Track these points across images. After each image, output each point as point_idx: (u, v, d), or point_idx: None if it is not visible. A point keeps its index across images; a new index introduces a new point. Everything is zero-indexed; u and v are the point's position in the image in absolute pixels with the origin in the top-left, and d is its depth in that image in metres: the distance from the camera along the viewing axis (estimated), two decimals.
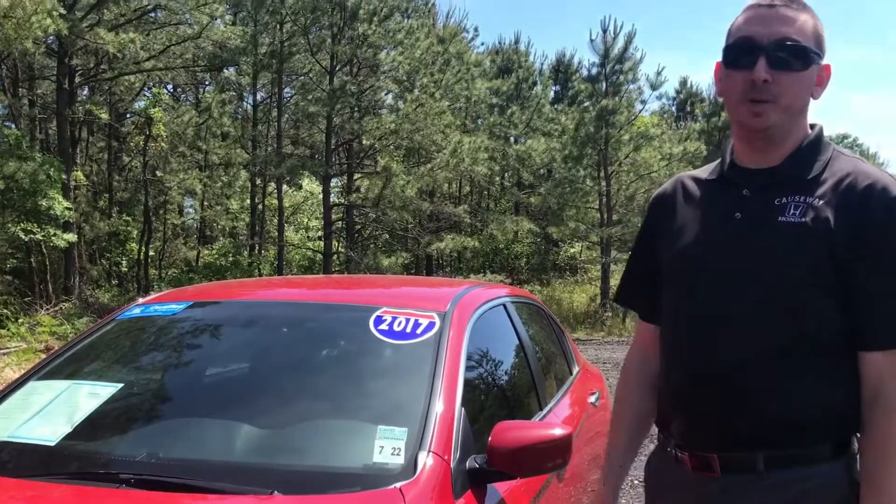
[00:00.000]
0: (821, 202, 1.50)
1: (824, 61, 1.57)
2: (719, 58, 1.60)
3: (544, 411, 2.82)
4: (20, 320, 13.78)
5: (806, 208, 1.50)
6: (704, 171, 1.73)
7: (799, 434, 1.50)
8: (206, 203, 23.02)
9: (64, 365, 2.41)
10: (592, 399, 3.65)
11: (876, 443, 1.45)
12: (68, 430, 2.04)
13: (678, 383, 1.64)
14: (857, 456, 1.52)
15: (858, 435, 1.52)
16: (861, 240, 1.46)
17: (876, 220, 1.46)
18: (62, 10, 13.28)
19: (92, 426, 2.08)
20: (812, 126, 1.61)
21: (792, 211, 1.51)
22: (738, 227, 1.56)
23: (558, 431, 1.91)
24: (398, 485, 1.73)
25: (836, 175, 1.52)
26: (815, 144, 1.58)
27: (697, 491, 1.59)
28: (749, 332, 1.52)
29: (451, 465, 1.84)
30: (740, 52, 1.53)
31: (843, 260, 1.47)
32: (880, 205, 1.46)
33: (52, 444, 1.98)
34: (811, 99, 1.57)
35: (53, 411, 2.16)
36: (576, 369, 3.81)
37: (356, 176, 21.21)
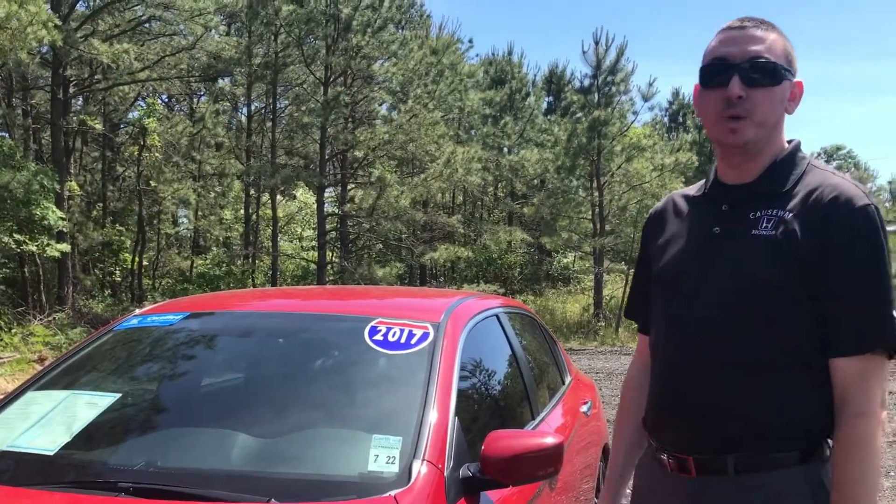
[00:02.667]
0: (790, 215, 1.56)
1: (796, 78, 1.64)
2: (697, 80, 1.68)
3: (536, 420, 2.85)
4: (13, 330, 13.74)
5: (777, 221, 1.57)
6: (693, 189, 1.82)
7: (768, 439, 1.56)
8: (199, 213, 23.00)
9: (62, 375, 2.43)
10: (584, 408, 3.68)
11: (843, 444, 1.50)
12: (67, 439, 2.06)
13: (660, 389, 1.72)
14: (828, 460, 1.56)
15: (831, 441, 1.57)
16: (826, 250, 1.52)
17: (839, 230, 1.52)
18: (57, 21, 13.30)
19: (90, 436, 2.11)
20: (790, 141, 1.68)
21: (764, 224, 1.58)
22: (717, 241, 1.64)
23: (550, 440, 1.94)
24: (393, 493, 1.76)
25: (806, 188, 1.59)
26: (790, 159, 1.64)
27: (676, 491, 1.66)
28: (722, 341, 1.59)
29: (445, 474, 1.87)
30: (715, 71, 1.61)
31: (811, 270, 1.52)
32: (843, 216, 1.52)
33: (51, 453, 2.01)
34: (786, 114, 1.64)
35: (52, 421, 2.19)
36: (568, 379, 3.85)
37: (350, 186, 21.23)
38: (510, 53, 29.33)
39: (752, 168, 1.64)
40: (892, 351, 1.53)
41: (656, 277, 1.77)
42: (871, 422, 1.49)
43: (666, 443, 1.70)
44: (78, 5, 16.90)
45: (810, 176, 1.61)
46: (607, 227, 21.40)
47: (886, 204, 40.92)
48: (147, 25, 18.72)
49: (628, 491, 1.92)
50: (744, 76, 1.57)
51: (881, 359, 1.53)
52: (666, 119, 31.98)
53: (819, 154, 54.82)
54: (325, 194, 20.83)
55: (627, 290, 20.25)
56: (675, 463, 1.67)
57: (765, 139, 1.61)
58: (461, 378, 2.26)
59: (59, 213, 14.48)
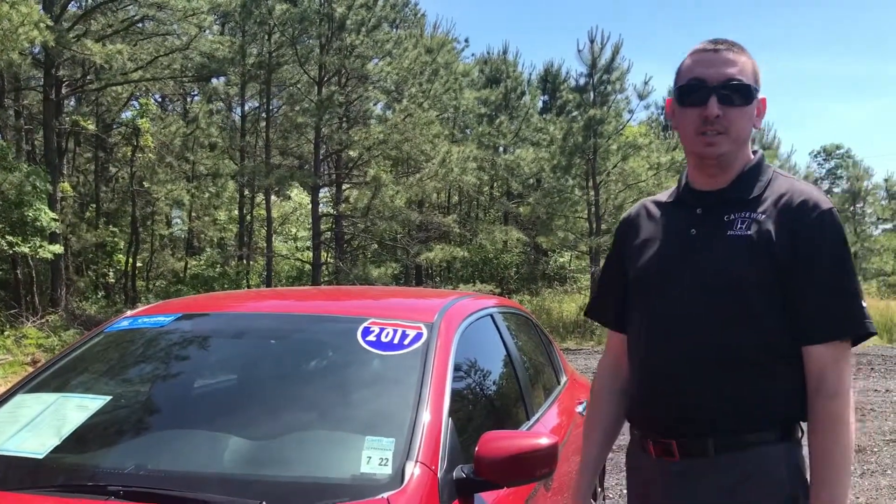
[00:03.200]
0: (763, 216, 1.73)
1: (760, 95, 1.79)
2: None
3: (531, 421, 2.84)
4: (6, 332, 13.69)
5: (751, 222, 1.73)
6: (664, 195, 1.96)
7: (746, 422, 1.71)
8: (193, 214, 22.96)
9: (52, 377, 2.41)
10: (580, 409, 3.67)
11: (820, 423, 1.65)
12: (56, 442, 2.04)
13: (642, 381, 1.85)
14: (800, 442, 1.74)
15: (804, 424, 1.73)
16: (798, 248, 1.68)
17: (809, 231, 1.68)
18: (49, 22, 13.25)
19: (80, 439, 2.09)
20: (755, 152, 1.84)
21: (739, 225, 1.73)
22: (694, 242, 1.78)
23: (545, 441, 1.93)
24: (386, 495, 1.74)
25: (775, 193, 1.75)
26: (757, 168, 1.80)
27: (661, 473, 1.80)
28: (704, 334, 1.73)
29: (439, 475, 1.86)
30: (693, 91, 1.75)
31: (784, 266, 1.68)
32: (812, 218, 1.69)
33: (41, 456, 1.98)
34: (753, 129, 1.80)
35: (41, 424, 2.16)
36: (563, 379, 3.84)
37: (345, 186, 21.21)
38: (505, 52, 29.38)
39: (724, 176, 1.79)
40: (858, 338, 1.69)
41: (635, 278, 1.89)
42: (844, 401, 1.65)
43: (650, 430, 1.83)
44: (70, 5, 16.86)
45: (777, 183, 1.78)
46: (603, 227, 21.41)
47: (883, 202, 40.99)
48: (140, 25, 18.66)
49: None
50: (720, 96, 1.72)
51: (848, 345, 1.69)
52: (661, 118, 32.00)
53: (818, 153, 55.00)
54: (320, 194, 20.81)
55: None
56: (660, 448, 1.80)
57: (736, 152, 1.77)
58: (455, 379, 2.24)
59: (52, 215, 14.42)
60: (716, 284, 1.72)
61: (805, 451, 1.74)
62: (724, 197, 1.78)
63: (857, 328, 1.68)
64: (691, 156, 1.82)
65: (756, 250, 1.69)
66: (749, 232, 1.71)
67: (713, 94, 1.72)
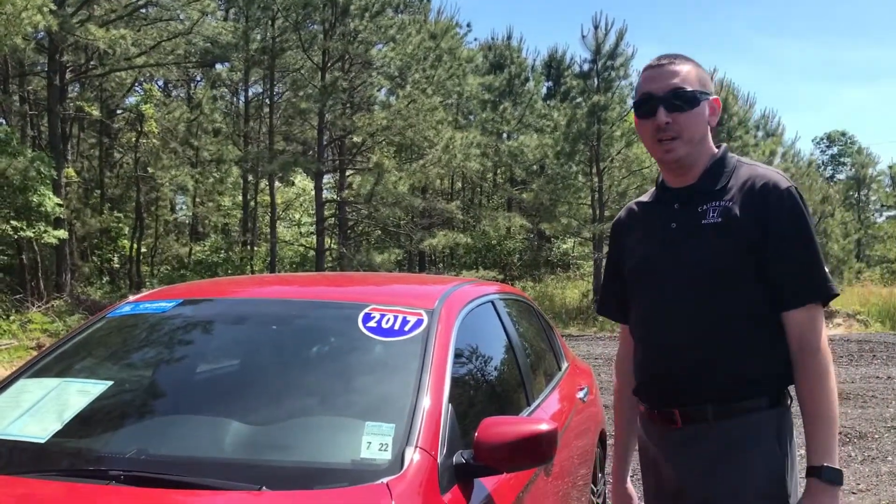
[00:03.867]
0: (731, 203, 1.92)
1: (713, 96, 1.99)
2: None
3: (532, 407, 2.84)
4: (11, 317, 13.75)
5: (721, 210, 1.93)
6: (646, 196, 2.18)
7: (739, 390, 1.91)
8: (197, 200, 22.96)
9: (54, 362, 2.42)
10: (581, 395, 3.68)
11: (806, 378, 1.86)
12: (58, 427, 2.05)
13: (644, 358, 2.06)
14: (789, 408, 1.94)
15: (792, 392, 1.94)
16: (765, 225, 1.88)
17: (773, 209, 1.88)
18: (52, 6, 13.20)
19: (82, 423, 2.10)
20: (719, 146, 2.03)
21: (711, 214, 1.93)
22: (675, 234, 1.99)
23: (544, 427, 1.93)
24: (385, 480, 1.75)
25: (739, 180, 1.95)
26: (721, 161, 2.00)
27: (667, 440, 2.01)
28: (693, 311, 1.93)
29: (438, 461, 1.86)
30: (644, 104, 1.97)
31: (754, 244, 1.88)
32: (774, 197, 1.89)
33: (42, 441, 1.99)
34: (709, 127, 1.99)
35: (43, 409, 2.17)
36: (564, 365, 3.84)
37: (348, 172, 21.18)
38: (509, 38, 29.20)
39: (692, 173, 1.99)
40: (826, 298, 1.91)
41: (631, 272, 2.09)
42: (825, 355, 1.86)
43: (655, 401, 2.03)
44: None
45: (741, 171, 1.97)
46: (607, 213, 21.36)
47: (887, 189, 40.79)
48: (143, 10, 18.60)
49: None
50: (667, 105, 1.92)
51: (820, 307, 1.90)
52: None
53: (821, 140, 54.75)
54: (324, 180, 20.80)
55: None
56: (664, 416, 2.00)
57: (695, 152, 1.97)
58: (455, 365, 2.25)
59: (56, 200, 14.44)
60: (698, 268, 1.92)
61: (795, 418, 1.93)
62: (695, 191, 1.98)
63: (824, 291, 1.89)
64: (658, 161, 2.04)
65: (729, 233, 1.89)
66: (721, 219, 1.91)
67: (660, 105, 1.92)
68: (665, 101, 1.92)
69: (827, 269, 1.91)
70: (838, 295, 1.98)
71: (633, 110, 2.06)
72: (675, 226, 1.99)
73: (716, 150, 2.02)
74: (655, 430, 2.04)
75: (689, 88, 1.93)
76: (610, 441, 6.05)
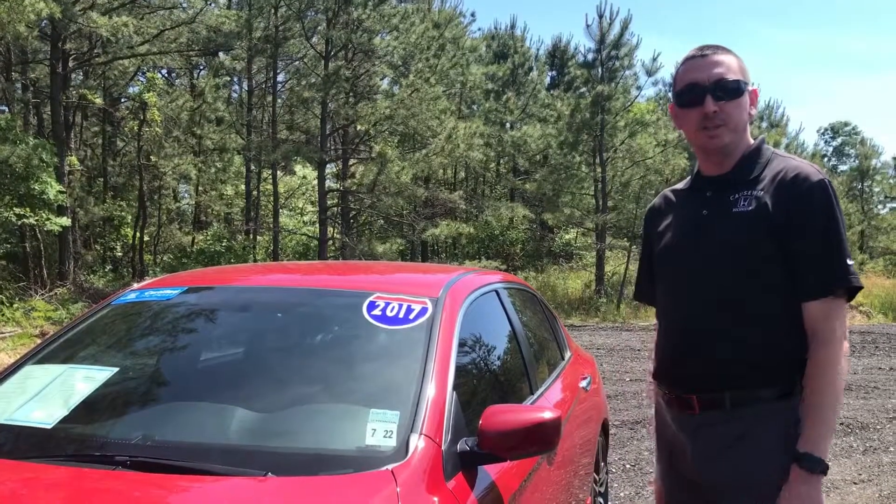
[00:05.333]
0: (762, 193, 1.97)
1: (753, 86, 2.05)
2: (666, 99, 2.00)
3: (535, 395, 2.85)
4: (15, 305, 13.78)
5: (752, 199, 1.98)
6: (682, 184, 2.25)
7: (757, 377, 1.96)
8: (200, 188, 22.97)
9: (59, 349, 2.43)
10: (584, 384, 3.69)
11: (815, 367, 1.90)
12: (64, 413, 2.06)
13: (667, 342, 2.13)
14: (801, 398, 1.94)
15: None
16: (793, 216, 1.92)
17: (804, 200, 1.92)
18: None
19: (88, 409, 2.11)
20: (755, 138, 2.09)
21: (742, 203, 1.99)
22: (706, 221, 2.05)
23: (548, 415, 1.94)
24: (390, 467, 1.76)
25: (773, 171, 2.00)
26: (756, 152, 2.06)
27: (684, 426, 2.07)
28: (719, 299, 1.98)
29: (443, 448, 1.87)
30: (689, 94, 2.02)
31: (782, 234, 1.92)
32: (803, 189, 1.93)
33: (49, 426, 2.00)
34: (749, 117, 2.04)
35: (49, 395, 2.18)
36: (568, 354, 3.85)
37: (351, 161, 21.16)
38: (513, 27, 29.12)
39: (728, 162, 2.05)
40: (849, 292, 1.94)
41: (660, 256, 2.16)
42: (836, 348, 1.89)
43: (675, 387, 2.10)
44: None
45: (775, 162, 2.03)
46: (610, 204, 21.36)
47: (891, 180, 40.62)
48: None
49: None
50: (714, 94, 1.98)
51: (842, 300, 1.93)
52: (670, 94, 31.78)
53: (825, 131, 54.56)
54: (327, 170, 20.78)
55: (630, 267, 20.11)
56: (683, 403, 2.06)
57: (737, 140, 2.03)
58: (459, 353, 2.25)
59: (59, 188, 14.45)
60: (725, 254, 1.97)
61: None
62: (729, 180, 2.03)
63: (844, 284, 1.92)
64: (698, 150, 2.08)
65: (757, 222, 1.94)
66: (750, 208, 1.96)
67: (708, 94, 1.98)
68: (711, 89, 1.98)
69: (851, 263, 1.93)
70: (861, 288, 1.97)
71: (673, 99, 2.10)
72: (706, 213, 2.05)
73: (752, 141, 2.07)
74: (674, 414, 2.11)
75: (733, 78, 1.99)
76: (612, 431, 6.07)
